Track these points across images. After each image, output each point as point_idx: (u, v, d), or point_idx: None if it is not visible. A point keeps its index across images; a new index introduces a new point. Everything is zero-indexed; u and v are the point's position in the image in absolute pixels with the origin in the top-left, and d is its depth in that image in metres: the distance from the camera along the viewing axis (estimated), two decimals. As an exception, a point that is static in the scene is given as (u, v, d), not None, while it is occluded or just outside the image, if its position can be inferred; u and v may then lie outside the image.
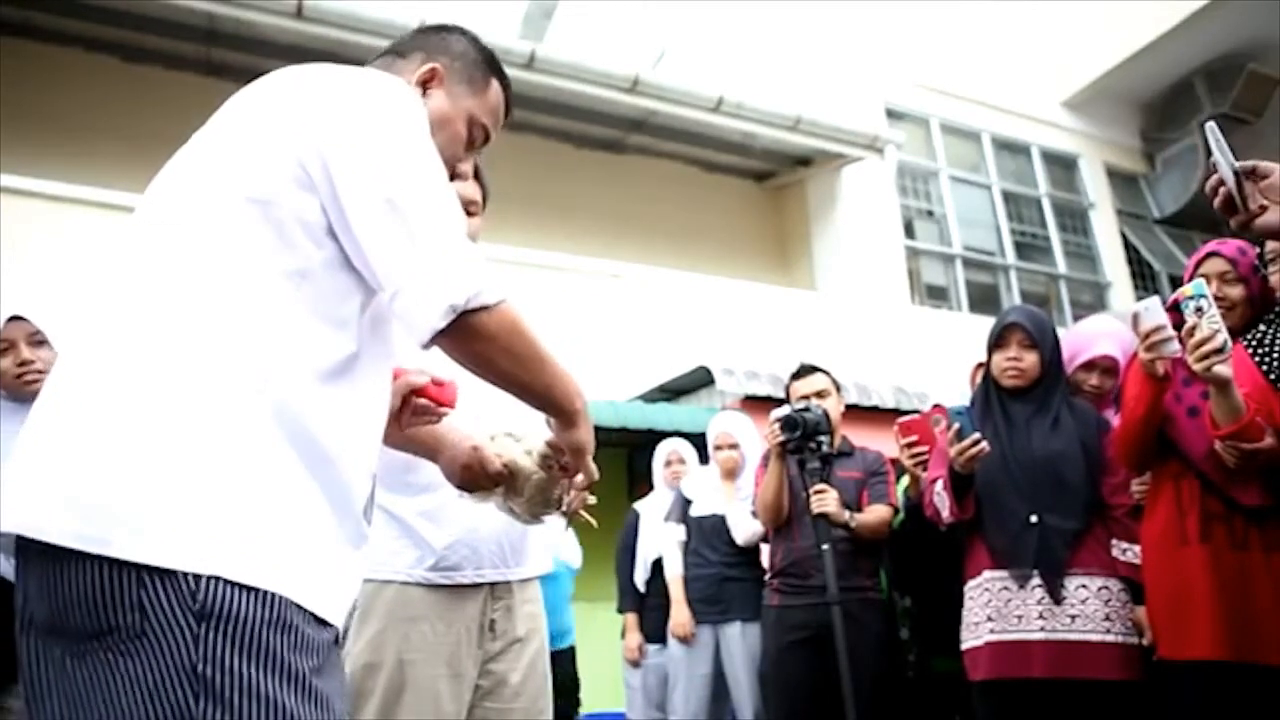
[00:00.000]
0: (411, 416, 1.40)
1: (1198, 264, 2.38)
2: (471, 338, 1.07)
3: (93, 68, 6.49)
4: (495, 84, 1.35)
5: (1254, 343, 2.21)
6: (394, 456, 1.55)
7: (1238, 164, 1.34)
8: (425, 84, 1.28)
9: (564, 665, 4.46)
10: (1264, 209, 1.32)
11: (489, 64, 1.36)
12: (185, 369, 0.97)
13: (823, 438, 3.04)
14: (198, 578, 0.91)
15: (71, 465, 0.93)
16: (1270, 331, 2.20)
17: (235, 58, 6.52)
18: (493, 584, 1.74)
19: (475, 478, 1.45)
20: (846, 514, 3.06)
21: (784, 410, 3.10)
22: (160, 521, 0.91)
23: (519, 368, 1.13)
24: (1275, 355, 2.16)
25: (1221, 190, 1.34)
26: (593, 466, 1.32)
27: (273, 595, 0.94)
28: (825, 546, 2.89)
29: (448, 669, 1.65)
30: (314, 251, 1.04)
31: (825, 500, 2.97)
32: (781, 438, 3.06)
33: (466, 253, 1.06)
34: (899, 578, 3.31)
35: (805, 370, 3.40)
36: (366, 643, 1.63)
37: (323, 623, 0.99)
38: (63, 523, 0.90)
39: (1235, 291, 2.30)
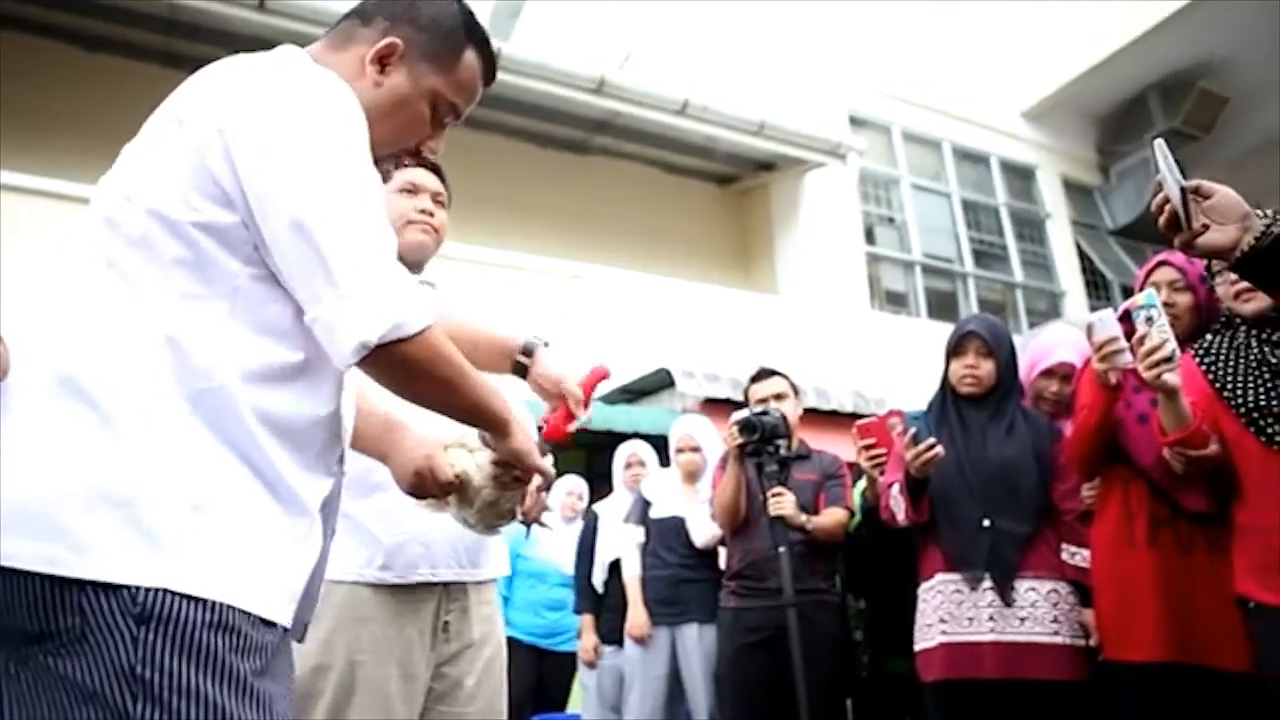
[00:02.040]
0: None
1: (1149, 273, 2.44)
2: (389, 368, 1.04)
3: (51, 56, 6.34)
4: (469, 54, 1.23)
5: (1201, 352, 2.27)
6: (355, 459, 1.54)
7: (1185, 182, 1.36)
8: (383, 60, 1.17)
9: (566, 669, 4.44)
10: (1206, 228, 1.35)
11: (465, 30, 1.23)
12: (121, 385, 0.96)
13: (781, 441, 3.06)
14: (138, 588, 0.91)
15: (14, 484, 0.92)
16: (1216, 341, 2.25)
17: (196, 49, 6.40)
18: (447, 585, 1.72)
19: (425, 485, 1.43)
20: (803, 517, 3.08)
21: (743, 413, 3.11)
22: (102, 538, 0.91)
23: (442, 392, 1.11)
24: (1220, 364, 2.21)
25: (1167, 208, 1.36)
26: (544, 465, 1.30)
27: (212, 600, 0.93)
28: (782, 549, 2.90)
29: (399, 670, 1.62)
30: (240, 266, 1.02)
31: (782, 503, 2.99)
32: (740, 440, 3.07)
33: (385, 278, 1.01)
34: (854, 580, 3.33)
35: (764, 373, 3.42)
36: (316, 644, 1.59)
37: (269, 624, 0.99)
38: (8, 543, 0.90)
39: (1183, 299, 2.36)
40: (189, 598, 0.92)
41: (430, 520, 1.64)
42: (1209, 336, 2.28)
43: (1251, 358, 2.15)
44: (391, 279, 1.02)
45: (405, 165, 1.90)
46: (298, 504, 1.04)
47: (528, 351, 1.50)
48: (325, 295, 0.99)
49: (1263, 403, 2.10)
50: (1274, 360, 2.10)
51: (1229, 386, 2.17)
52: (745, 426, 3.05)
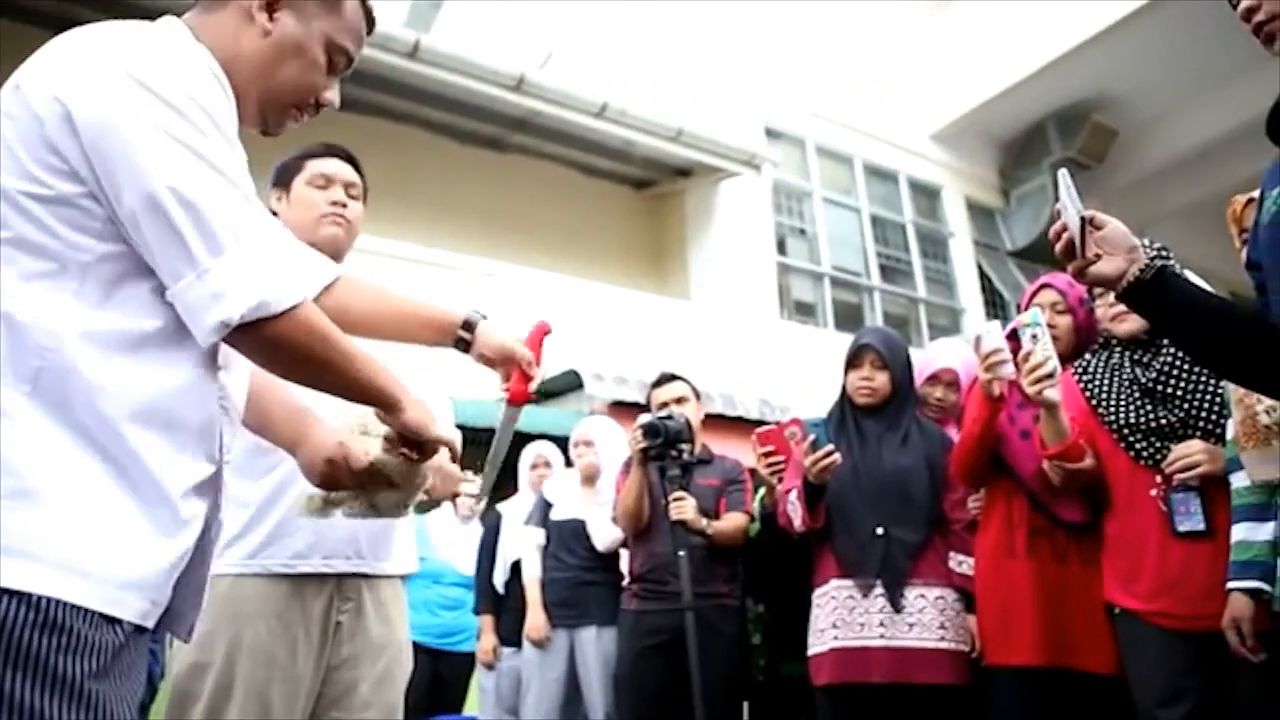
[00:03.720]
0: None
1: (1033, 294, 2.56)
2: (259, 348, 1.02)
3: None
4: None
5: (1079, 371, 2.39)
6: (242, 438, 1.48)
7: (1084, 212, 1.43)
8: (271, 7, 1.15)
9: (463, 670, 4.37)
10: (1098, 257, 1.42)
11: None
12: None
13: (684, 445, 3.08)
14: None
15: None
16: (1093, 361, 2.38)
17: (88, 14, 6.11)
18: (340, 580, 1.65)
19: (338, 473, 1.39)
20: (704, 521, 3.10)
21: (647, 418, 3.13)
22: None
23: (321, 371, 1.08)
24: (1096, 383, 2.34)
25: (1064, 237, 1.43)
26: (445, 435, 1.29)
27: (38, 596, 0.87)
28: (682, 553, 2.92)
29: (281, 672, 1.56)
30: (92, 242, 0.97)
31: (683, 508, 3.00)
32: (643, 444, 3.09)
33: (247, 254, 0.98)
34: (753, 584, 3.38)
35: (665, 378, 3.45)
36: (195, 642, 1.50)
37: (111, 620, 0.93)
38: None
39: (1064, 321, 2.48)
40: (7, 593, 0.86)
41: None
42: (1087, 356, 2.41)
43: (1124, 377, 2.27)
44: (254, 255, 0.99)
45: (317, 155, 1.86)
46: (158, 491, 0.98)
47: (469, 327, 1.50)
48: (184, 273, 0.96)
49: (1132, 420, 2.23)
50: (1144, 380, 2.23)
51: (1103, 404, 2.29)
52: (649, 431, 3.07)
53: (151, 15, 1.14)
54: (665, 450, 3.06)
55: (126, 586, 0.95)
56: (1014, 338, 2.31)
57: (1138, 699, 2.13)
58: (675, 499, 3.01)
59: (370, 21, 1.25)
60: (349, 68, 1.24)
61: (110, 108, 0.96)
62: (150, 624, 0.99)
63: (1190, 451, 2.11)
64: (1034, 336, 2.22)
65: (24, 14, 5.94)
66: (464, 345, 1.49)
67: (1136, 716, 2.13)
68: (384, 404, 1.21)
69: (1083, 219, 1.41)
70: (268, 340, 1.00)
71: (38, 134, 0.96)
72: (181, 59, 1.03)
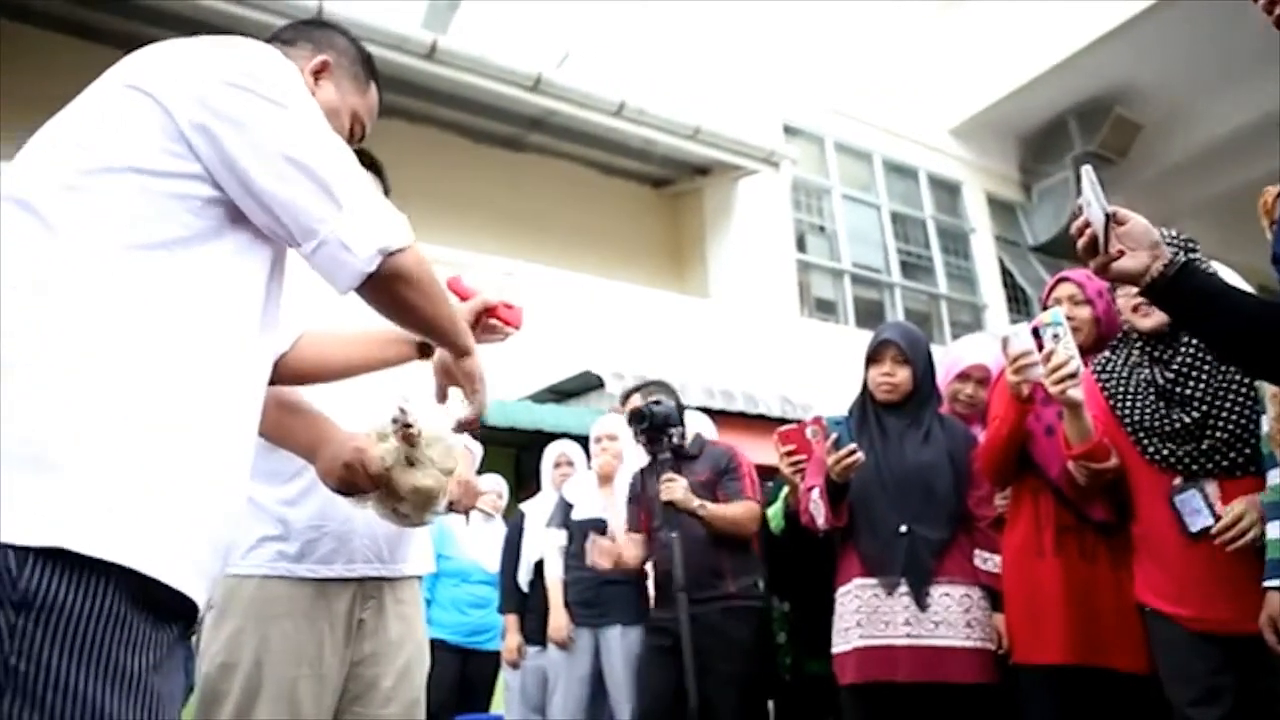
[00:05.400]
0: (481, 334, 1.50)
1: (1051, 289, 2.54)
2: (395, 280, 1.10)
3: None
4: (373, 85, 1.46)
5: (1098, 369, 2.36)
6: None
7: (1108, 208, 1.42)
8: (317, 74, 1.35)
9: (490, 669, 4.39)
10: (1121, 253, 1.41)
11: (367, 65, 1.45)
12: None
13: (673, 430, 3.07)
14: (25, 552, 0.84)
15: None
16: (1114, 358, 2.35)
17: (89, 15, 6.16)
18: (362, 581, 1.67)
19: (355, 477, 1.42)
20: (696, 501, 3.02)
21: (637, 403, 3.16)
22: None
23: (433, 305, 1.18)
24: (1114, 381, 2.31)
25: (1087, 231, 1.42)
26: (483, 392, 1.38)
27: (104, 584, 0.87)
28: (674, 534, 2.88)
29: (309, 670, 1.57)
30: (192, 220, 1.02)
31: (673, 488, 2.97)
32: (632, 428, 3.12)
33: (375, 199, 1.09)
34: (777, 582, 3.36)
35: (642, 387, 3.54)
36: (224, 642, 1.54)
37: (169, 615, 0.94)
38: None
39: (1083, 313, 2.46)
40: (73, 577, 0.86)
41: (347, 512, 1.61)
42: (1107, 353, 2.37)
43: (1141, 377, 2.23)
44: (375, 199, 1.10)
45: None
46: (225, 472, 1.02)
47: None
48: (328, 218, 1.05)
49: (1146, 420, 2.19)
50: (1161, 381, 2.18)
51: (1120, 403, 2.26)
52: (635, 416, 3.08)
53: (153, 15, 1.18)
54: (654, 434, 3.06)
55: (198, 571, 0.97)
56: (1035, 336, 2.29)
57: (1171, 698, 2.10)
58: (666, 479, 2.99)
59: (378, 109, 1.48)
60: (361, 139, 1.45)
61: (238, 102, 1.04)
62: (201, 602, 1.00)
63: (1238, 518, 2.00)
64: (1055, 336, 2.20)
65: (24, 14, 6.01)
66: (425, 347, 1.54)
67: (1167, 715, 2.11)
68: (456, 347, 1.30)
69: (1106, 215, 1.40)
70: (398, 271, 1.09)
71: (163, 124, 1.02)
72: (275, 53, 1.14)
